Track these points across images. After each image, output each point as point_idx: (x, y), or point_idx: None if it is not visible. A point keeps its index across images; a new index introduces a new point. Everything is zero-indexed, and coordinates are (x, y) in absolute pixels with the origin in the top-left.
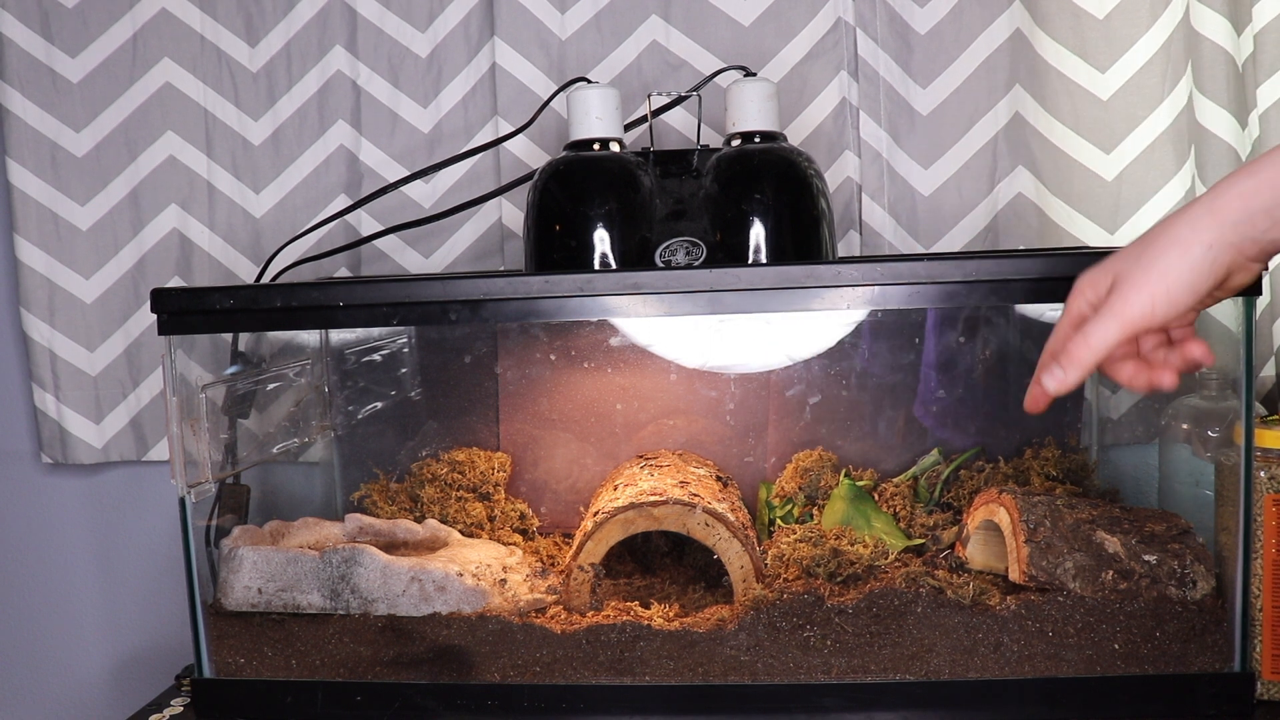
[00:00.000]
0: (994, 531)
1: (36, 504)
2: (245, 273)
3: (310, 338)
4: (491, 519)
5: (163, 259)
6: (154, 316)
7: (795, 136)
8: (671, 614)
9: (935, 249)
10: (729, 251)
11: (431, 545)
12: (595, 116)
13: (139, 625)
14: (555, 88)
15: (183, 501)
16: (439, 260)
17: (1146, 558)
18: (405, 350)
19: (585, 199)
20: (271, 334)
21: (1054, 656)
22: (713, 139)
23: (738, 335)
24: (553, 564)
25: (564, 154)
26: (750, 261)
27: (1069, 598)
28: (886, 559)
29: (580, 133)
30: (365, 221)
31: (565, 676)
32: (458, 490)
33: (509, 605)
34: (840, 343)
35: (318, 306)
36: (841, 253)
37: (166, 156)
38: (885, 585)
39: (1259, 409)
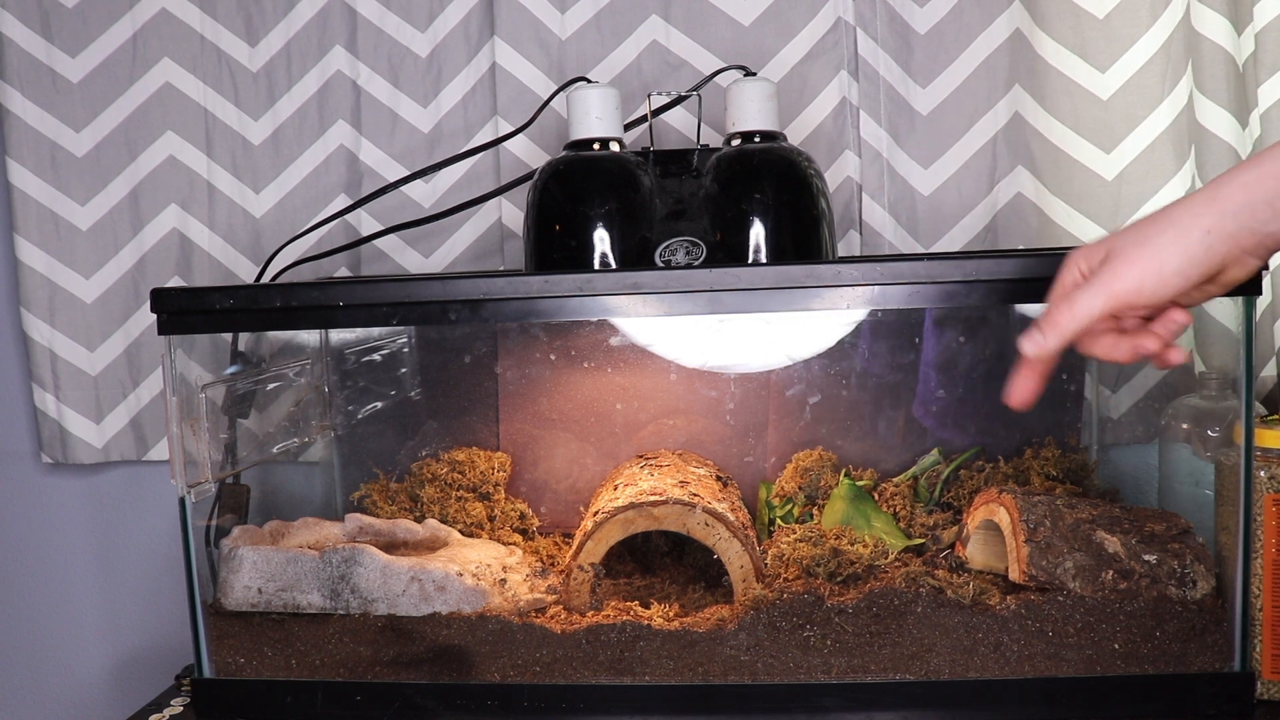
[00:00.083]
0: (994, 531)
1: (36, 504)
2: (245, 273)
3: (310, 338)
4: (491, 519)
5: (163, 259)
6: (154, 316)
7: (795, 136)
8: (671, 614)
9: (935, 249)
10: (729, 251)
11: (431, 545)
12: (595, 116)
13: (139, 625)
14: (555, 87)
15: (183, 501)
16: (439, 260)
17: (1146, 557)
18: (405, 350)
19: (585, 199)
20: (271, 334)
21: (1054, 656)
22: (713, 139)
23: (738, 335)
24: (553, 564)
25: (564, 154)
26: (750, 261)
27: (1069, 598)
28: (886, 559)
29: (580, 132)
30: (365, 221)
31: (565, 676)
32: (458, 490)
33: (509, 605)
34: (840, 343)
35: (318, 306)
36: (841, 253)
37: (166, 156)
38: (885, 585)
39: (1259, 409)
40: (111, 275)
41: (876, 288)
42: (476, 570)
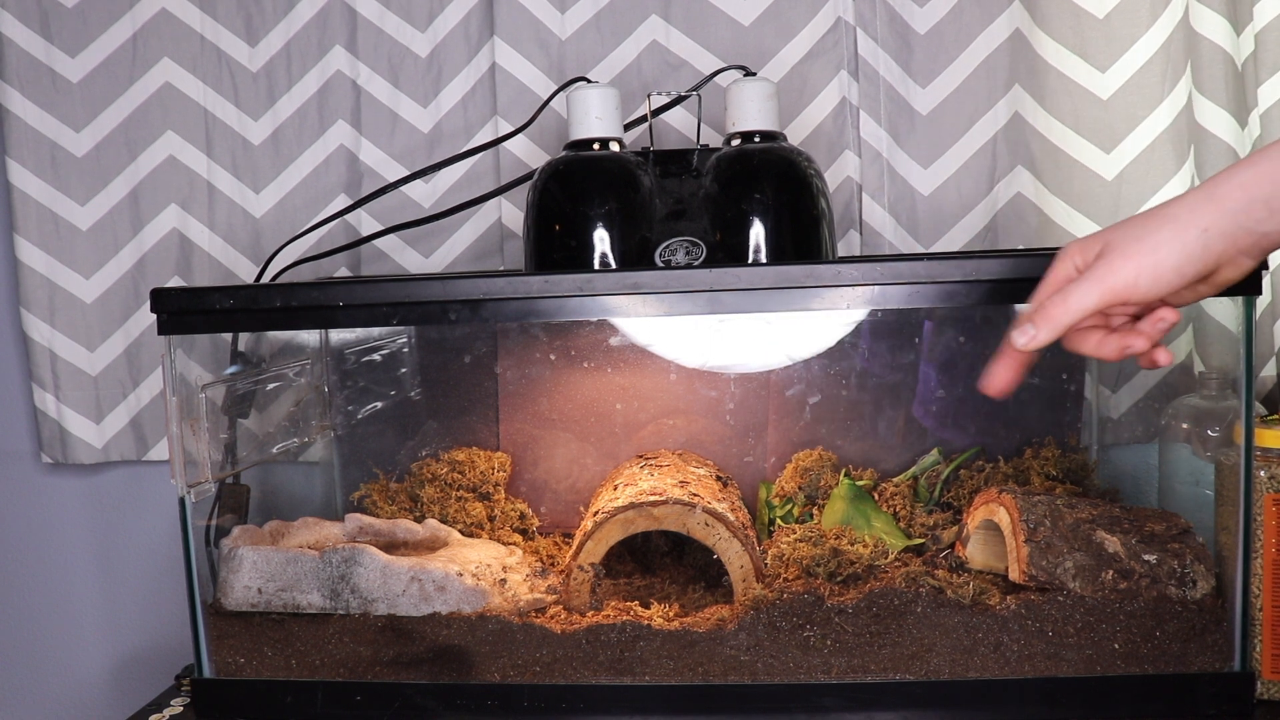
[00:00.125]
0: (994, 531)
1: (36, 504)
2: (245, 273)
3: (310, 338)
4: (491, 519)
5: (163, 259)
6: (154, 316)
7: (795, 136)
8: (671, 614)
9: (935, 249)
10: (729, 251)
11: (431, 545)
12: (595, 116)
13: (139, 625)
14: (555, 87)
15: (183, 501)
16: (439, 260)
17: (1146, 557)
18: (405, 350)
19: (585, 199)
20: (271, 334)
21: (1054, 656)
22: (713, 139)
23: (738, 335)
24: (553, 564)
25: (564, 154)
26: (750, 261)
27: (1069, 597)
28: (886, 559)
29: (580, 132)
30: (365, 221)
31: (565, 676)
32: (458, 490)
33: (509, 605)
34: (840, 343)
35: (318, 306)
36: (841, 253)
37: (166, 156)
38: (885, 585)
39: (1259, 409)
40: (111, 275)
41: (876, 288)
42: (476, 570)
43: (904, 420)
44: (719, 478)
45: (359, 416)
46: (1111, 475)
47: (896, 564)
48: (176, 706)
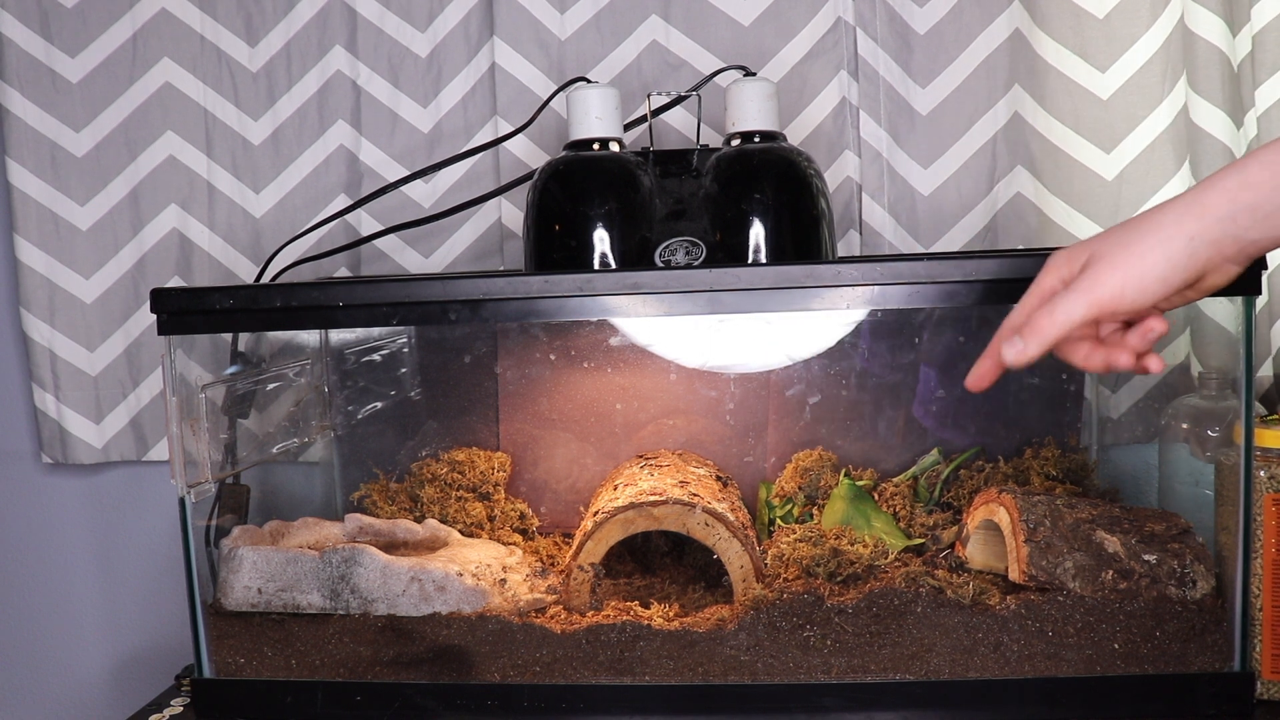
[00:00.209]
0: (994, 531)
1: (36, 504)
2: (245, 273)
3: (310, 338)
4: (491, 519)
5: (163, 259)
6: (154, 316)
7: (795, 136)
8: (671, 614)
9: (935, 249)
10: (729, 251)
11: (431, 545)
12: (595, 116)
13: (139, 625)
14: (555, 88)
15: (183, 501)
16: (439, 260)
17: (1146, 557)
18: (405, 350)
19: (585, 199)
20: (271, 334)
21: (1054, 656)
22: (713, 139)
23: (738, 335)
24: (553, 564)
25: (564, 154)
26: (750, 261)
27: (1069, 597)
28: (886, 559)
29: (580, 133)
30: (365, 221)
31: (565, 676)
32: (458, 490)
33: (509, 605)
34: (840, 343)
35: (318, 306)
36: (841, 253)
37: (166, 156)
38: (885, 585)
39: (1259, 409)
40: (111, 275)
41: (876, 288)
42: (476, 570)
43: (904, 420)
44: (719, 478)
45: (359, 416)
46: (1111, 475)
47: (896, 564)
48: (176, 706)
